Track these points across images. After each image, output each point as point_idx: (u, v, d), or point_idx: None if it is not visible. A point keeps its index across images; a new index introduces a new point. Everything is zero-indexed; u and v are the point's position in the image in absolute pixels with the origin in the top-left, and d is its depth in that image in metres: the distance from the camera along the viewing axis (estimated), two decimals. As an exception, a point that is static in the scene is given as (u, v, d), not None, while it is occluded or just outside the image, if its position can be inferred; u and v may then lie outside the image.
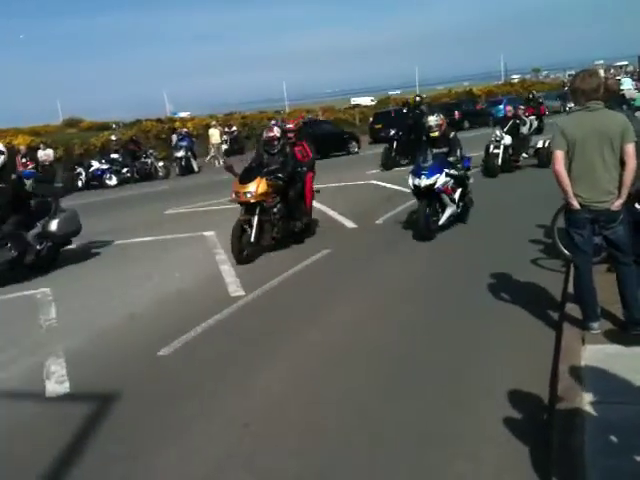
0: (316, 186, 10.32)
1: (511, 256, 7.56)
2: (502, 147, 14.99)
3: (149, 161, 23.27)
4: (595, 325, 4.76)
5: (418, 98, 22.24)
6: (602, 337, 4.65)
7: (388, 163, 18.16)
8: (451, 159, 9.41)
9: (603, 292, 4.95)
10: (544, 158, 14.23)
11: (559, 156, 4.63)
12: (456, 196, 9.45)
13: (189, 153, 23.89)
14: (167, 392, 4.83)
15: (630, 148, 4.50)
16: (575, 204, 4.64)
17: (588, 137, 4.53)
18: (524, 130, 16.05)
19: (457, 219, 9.72)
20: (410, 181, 9.14)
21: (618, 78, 10.44)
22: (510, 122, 15.54)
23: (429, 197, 9.00)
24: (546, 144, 14.35)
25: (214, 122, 28.75)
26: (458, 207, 9.59)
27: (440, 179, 8.98)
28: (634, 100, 21.59)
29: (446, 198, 9.21)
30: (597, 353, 4.39)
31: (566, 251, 6.18)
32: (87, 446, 4.08)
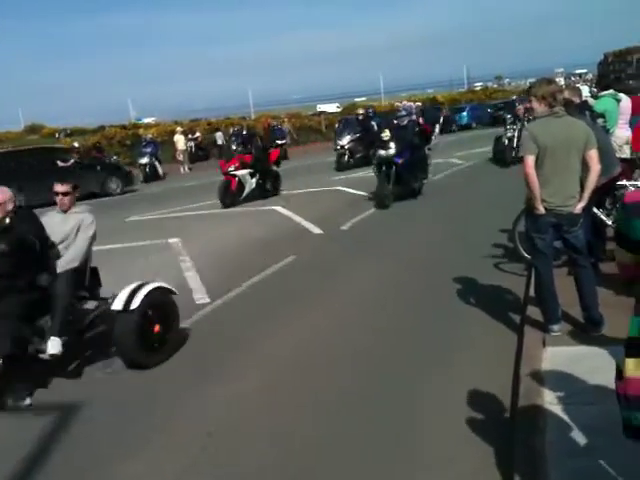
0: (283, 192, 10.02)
1: (474, 260, 7.65)
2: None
3: (112, 168, 22.85)
4: (556, 327, 4.85)
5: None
6: (563, 339, 4.74)
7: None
8: None
9: (563, 295, 5.03)
10: None
11: (530, 161, 4.72)
12: None
13: (154, 159, 23.63)
14: (130, 403, 4.74)
15: (594, 153, 4.67)
16: (541, 209, 4.73)
17: (558, 143, 4.64)
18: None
19: None
20: None
21: (577, 86, 10.68)
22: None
23: None
24: None
25: (179, 128, 28.54)
26: None
27: None
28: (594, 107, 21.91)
29: None
30: (558, 355, 4.47)
31: (527, 255, 6.28)
32: (51, 456, 3.98)
